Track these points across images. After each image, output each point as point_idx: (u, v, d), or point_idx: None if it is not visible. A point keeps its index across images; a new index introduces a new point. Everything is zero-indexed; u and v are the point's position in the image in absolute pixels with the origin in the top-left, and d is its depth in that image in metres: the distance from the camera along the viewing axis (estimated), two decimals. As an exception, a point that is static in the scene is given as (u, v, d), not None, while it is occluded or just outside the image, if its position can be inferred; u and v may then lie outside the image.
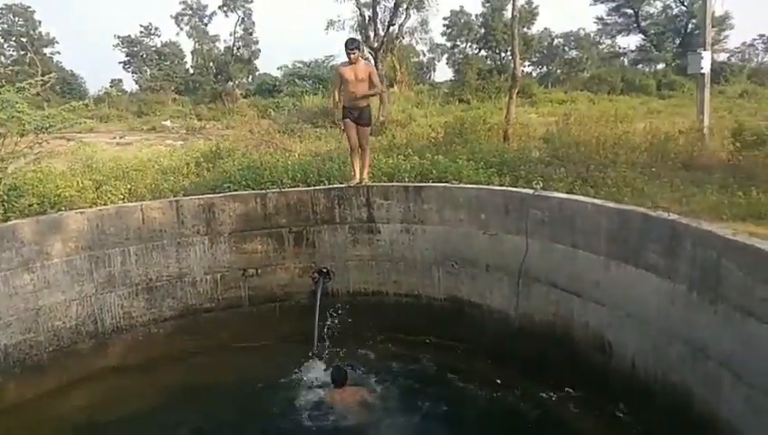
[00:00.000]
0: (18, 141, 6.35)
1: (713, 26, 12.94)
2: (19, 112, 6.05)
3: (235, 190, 7.03)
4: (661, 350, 4.51)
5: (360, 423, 5.28)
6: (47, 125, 6.36)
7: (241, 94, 32.75)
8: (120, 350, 6.32)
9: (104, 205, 6.49)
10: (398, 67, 24.68)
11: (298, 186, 7.15)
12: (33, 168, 6.62)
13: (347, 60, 6.65)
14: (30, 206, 6.02)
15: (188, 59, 46.53)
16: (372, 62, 16.00)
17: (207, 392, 5.82)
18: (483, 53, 37.77)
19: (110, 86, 42.12)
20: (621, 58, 43.77)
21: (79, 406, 5.68)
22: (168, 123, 21.43)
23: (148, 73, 45.66)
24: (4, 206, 5.84)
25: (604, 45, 44.80)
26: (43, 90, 6.99)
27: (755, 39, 41.22)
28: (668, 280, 4.36)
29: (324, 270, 6.90)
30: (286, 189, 6.93)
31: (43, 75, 8.88)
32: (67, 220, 5.91)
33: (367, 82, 6.62)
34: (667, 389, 4.48)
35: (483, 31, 36.81)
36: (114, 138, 16.54)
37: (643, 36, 41.58)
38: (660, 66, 37.72)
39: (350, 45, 6.62)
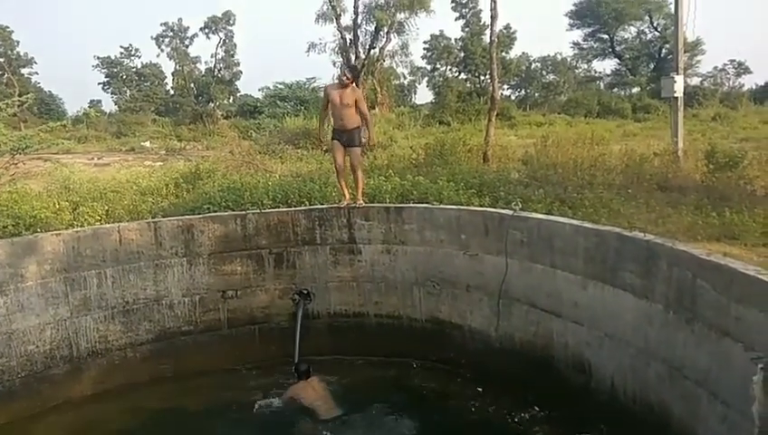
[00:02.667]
0: (-7, 162, 6.26)
1: (685, 51, 13.30)
2: (-6, 133, 5.98)
3: (215, 211, 6.97)
4: (639, 369, 4.55)
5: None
6: (24, 146, 6.29)
7: (222, 115, 32.69)
8: (95, 374, 6.17)
9: (81, 226, 6.39)
10: (378, 89, 24.92)
11: (279, 207, 7.12)
12: (8, 189, 6.50)
13: (338, 81, 6.72)
14: (4, 227, 5.90)
15: (169, 80, 46.50)
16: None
17: (185, 418, 5.73)
18: (462, 75, 38.28)
19: (89, 107, 41.73)
20: (597, 82, 44.67)
21: (52, 433, 5.53)
22: (147, 144, 21.28)
23: (128, 94, 45.46)
24: (-24, 227, 5.73)
25: (580, 69, 45.71)
26: (20, 110, 6.90)
27: (726, 64, 42.25)
28: (645, 300, 4.41)
29: (305, 292, 6.86)
30: (267, 210, 6.90)
31: (20, 96, 8.77)
32: (42, 242, 5.81)
33: (353, 108, 6.63)
34: (646, 408, 4.50)
35: (462, 54, 37.34)
36: (92, 159, 16.35)
37: (618, 61, 42.56)
38: (635, 90, 38.55)
39: (348, 73, 6.74)
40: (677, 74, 10.07)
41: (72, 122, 24.58)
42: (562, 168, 8.11)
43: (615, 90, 41.04)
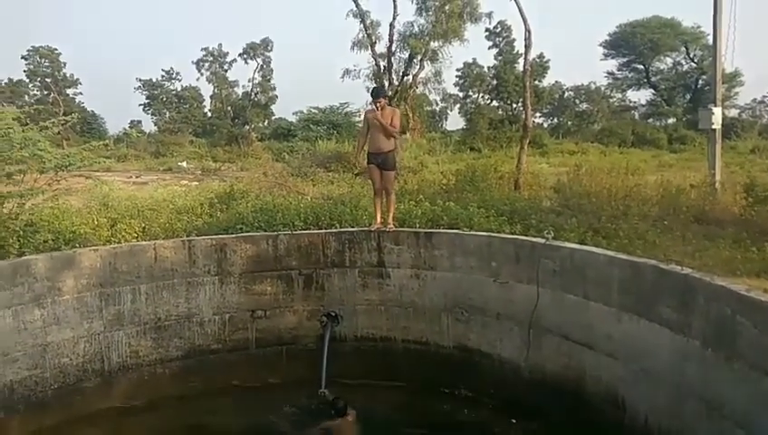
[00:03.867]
0: (37, 178, 6.48)
1: (723, 83, 13.11)
2: (41, 151, 6.20)
3: (248, 232, 7.08)
4: (675, 407, 4.40)
5: None
6: (66, 163, 6.50)
7: (256, 138, 33.31)
8: (125, 389, 6.26)
9: (118, 243, 6.55)
10: (411, 115, 25.10)
11: (310, 228, 7.19)
12: (50, 204, 6.72)
13: (372, 107, 6.81)
14: (45, 242, 6.09)
15: (207, 103, 47.77)
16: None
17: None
18: (494, 103, 38.37)
19: (130, 127, 43.03)
20: (632, 112, 44.26)
21: (80, 445, 5.62)
22: (184, 164, 21.77)
23: (167, 115, 46.77)
24: (19, 241, 5.91)
25: (615, 99, 45.37)
26: (64, 129, 7.15)
27: (766, 96, 41.44)
28: (682, 335, 4.29)
29: (333, 314, 6.85)
30: (298, 232, 6.98)
31: (65, 115, 9.11)
32: (80, 257, 5.97)
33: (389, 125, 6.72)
34: (682, 447, 4.34)
35: (495, 82, 37.49)
36: (131, 177, 16.81)
37: (653, 91, 42.17)
38: (671, 120, 38.04)
39: (377, 95, 6.79)
40: (715, 106, 9.94)
41: (112, 142, 25.36)
42: (596, 197, 8.01)
43: (650, 120, 40.55)
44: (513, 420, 5.79)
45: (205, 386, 6.51)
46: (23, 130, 6.13)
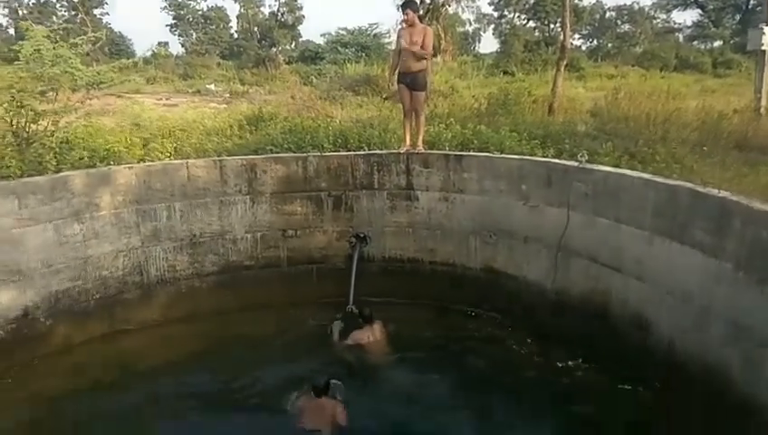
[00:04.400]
0: (70, 96, 6.52)
1: (778, 1, 12.20)
2: (72, 68, 6.19)
3: (277, 153, 7.10)
4: (701, 329, 4.42)
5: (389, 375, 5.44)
6: (98, 81, 6.51)
7: (284, 60, 32.73)
8: (164, 301, 6.56)
9: (151, 161, 6.65)
10: (443, 36, 24.23)
11: (338, 151, 7.17)
12: (83, 122, 6.80)
13: (403, 24, 6.56)
14: (80, 159, 6.21)
15: (233, 24, 46.84)
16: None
17: (247, 346, 6.03)
18: (531, 24, 36.75)
19: (157, 48, 42.67)
20: (676, 34, 42.02)
21: (124, 352, 5.98)
22: (212, 87, 21.64)
23: (194, 37, 46.17)
24: (56, 158, 6.03)
25: (658, 20, 42.99)
26: (92, 49, 7.12)
27: (823, 17, 38.70)
28: (714, 258, 4.25)
29: (361, 235, 6.95)
30: (327, 154, 6.97)
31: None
32: (116, 174, 6.10)
33: (419, 48, 6.49)
34: (705, 369, 4.40)
35: (532, 1, 35.74)
36: (160, 99, 16.82)
37: (700, 12, 39.75)
38: (717, 43, 36.00)
39: (405, 5, 6.49)
40: (767, 25, 9.32)
41: (141, 62, 25.22)
42: (634, 121, 7.75)
43: (695, 43, 38.51)
44: (531, 340, 5.92)
45: (239, 301, 6.76)
46: (53, 48, 6.10)
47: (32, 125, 6.00)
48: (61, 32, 6.81)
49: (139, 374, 5.56)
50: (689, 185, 4.61)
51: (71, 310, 6.02)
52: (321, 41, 35.33)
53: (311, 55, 32.28)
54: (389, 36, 27.94)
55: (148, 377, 5.53)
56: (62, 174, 5.87)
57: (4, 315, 5.56)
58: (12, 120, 5.88)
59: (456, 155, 6.57)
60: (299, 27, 43.55)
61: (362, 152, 7.02)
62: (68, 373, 5.58)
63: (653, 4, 41.83)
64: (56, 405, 5.12)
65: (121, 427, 4.81)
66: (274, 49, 38.68)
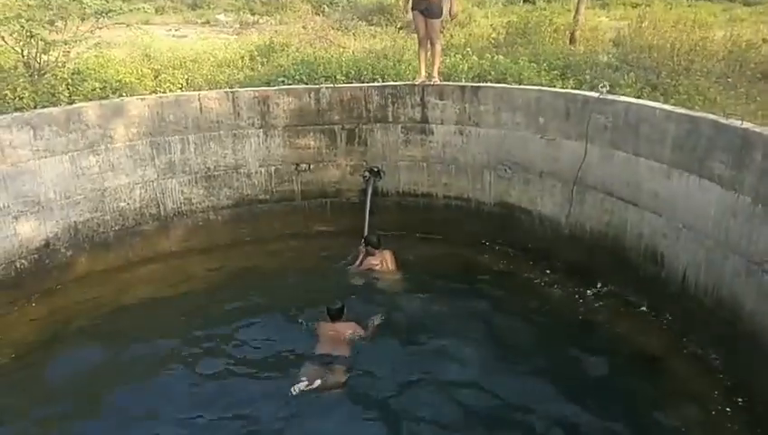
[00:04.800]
0: (79, 26, 6.41)
1: None
2: (80, -5, 6.07)
3: (289, 85, 6.98)
4: (715, 263, 4.43)
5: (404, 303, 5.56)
6: (107, 10, 6.38)
7: (295, -11, 31.63)
8: (181, 233, 6.66)
9: (163, 93, 6.59)
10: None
11: (352, 82, 7.04)
12: (94, 53, 6.72)
13: None
14: (93, 90, 6.18)
15: (243, -51, 45.04)
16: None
17: (262, 275, 6.16)
18: (553, -51, 34.95)
19: (165, -22, 41.38)
20: (707, -41, 39.75)
21: (143, 281, 6.13)
22: (221, 17, 21.08)
23: (202, -35, 44.60)
24: (69, 89, 6.02)
25: (689, -56, 40.62)
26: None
27: None
28: (733, 192, 4.19)
29: (375, 169, 6.91)
30: (340, 85, 6.84)
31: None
32: (129, 106, 6.06)
33: None
34: (717, 301, 4.44)
35: (555, -76, 33.87)
36: (170, 30, 16.48)
37: (735, -66, 37.42)
38: (750, -31, 34.12)
39: None
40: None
41: (149, -7, 24.50)
42: (657, 51, 7.48)
43: (726, -31, 36.44)
44: (546, 272, 5.97)
45: (254, 233, 6.86)
46: (60, -25, 5.96)
47: (43, 56, 5.96)
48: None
49: (156, 301, 5.73)
50: (711, 116, 4.48)
51: (90, 241, 6.15)
52: (333, -32, 34.00)
53: (323, -16, 31.13)
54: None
55: (166, 305, 5.69)
56: (75, 105, 5.85)
57: (26, 246, 5.70)
58: (23, 51, 5.83)
59: (472, 86, 6.42)
60: (310, -47, 41.85)
61: (376, 84, 6.89)
62: (88, 300, 5.76)
63: (683, -74, 39.45)
64: (75, 326, 5.34)
65: (136, 351, 4.97)
66: (285, -23, 37.30)
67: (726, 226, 4.27)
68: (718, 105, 5.89)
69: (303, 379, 4.36)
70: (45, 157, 5.63)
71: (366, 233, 6.57)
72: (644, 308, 5.18)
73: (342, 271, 6.12)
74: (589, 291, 5.53)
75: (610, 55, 7.67)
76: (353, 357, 4.72)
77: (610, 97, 5.32)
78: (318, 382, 4.34)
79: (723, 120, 4.35)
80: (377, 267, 6.03)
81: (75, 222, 5.99)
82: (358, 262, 6.18)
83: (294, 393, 4.24)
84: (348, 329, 4.87)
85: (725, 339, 4.36)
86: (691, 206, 4.59)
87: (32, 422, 4.23)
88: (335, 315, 4.89)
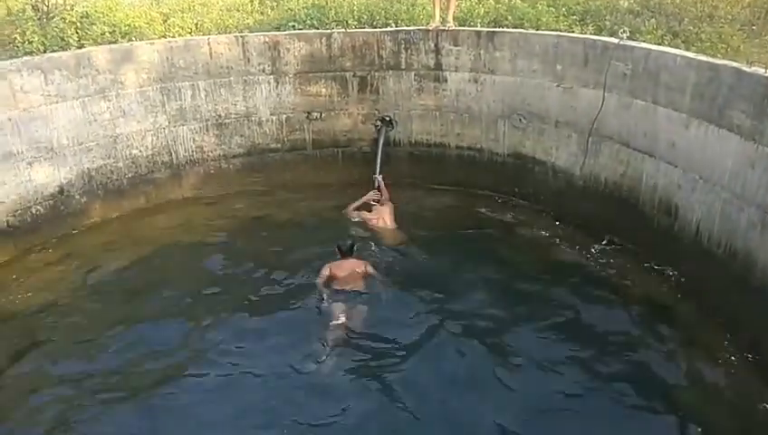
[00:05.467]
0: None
1: None
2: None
3: (300, 29, 6.83)
4: (731, 215, 4.38)
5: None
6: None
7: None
8: (193, 181, 6.70)
9: (172, 37, 6.48)
10: None
11: (364, 27, 6.86)
12: (102, -6, 6.59)
13: None
14: (102, 34, 6.08)
15: None
16: None
17: (273, 224, 6.23)
18: None
19: None
20: None
21: (157, 227, 6.21)
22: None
23: None
24: (78, 33, 5.93)
25: None
26: None
27: None
28: (752, 142, 4.10)
29: (387, 118, 6.84)
30: (352, 30, 6.68)
31: None
32: (138, 51, 5.99)
33: None
34: (731, 254, 4.41)
35: None
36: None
37: None
38: None
39: None
40: None
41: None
42: (681, -4, 7.19)
43: None
44: (557, 223, 5.97)
45: (266, 182, 6.88)
46: None
47: (50, -2, 5.84)
48: None
49: (169, 248, 5.80)
50: (734, 64, 4.35)
51: (104, 187, 6.20)
52: None
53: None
54: None
55: (178, 251, 5.78)
56: (85, 49, 5.79)
57: (40, 192, 5.76)
58: (29, -7, 5.73)
59: (488, 32, 6.24)
60: None
61: (389, 29, 6.72)
62: (103, 246, 5.86)
63: None
64: (90, 274, 5.44)
65: (150, 298, 5.08)
66: None
67: (744, 177, 4.20)
68: (742, 54, 5.69)
69: (334, 318, 4.55)
70: (57, 102, 5.61)
71: (378, 169, 6.53)
72: (654, 263, 5.17)
73: (348, 222, 6.12)
74: (600, 245, 5.52)
75: (632, 1, 7.38)
76: (370, 294, 4.90)
77: (630, 43, 5.16)
78: (343, 319, 4.55)
79: (745, 69, 4.22)
80: (372, 222, 6.03)
81: (89, 169, 6.02)
82: (357, 203, 6.18)
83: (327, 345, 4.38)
84: (359, 265, 5.07)
85: (737, 292, 4.35)
86: (708, 156, 4.51)
87: (45, 364, 4.36)
88: (346, 252, 5.09)
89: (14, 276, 5.35)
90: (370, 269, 5.06)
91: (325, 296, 4.81)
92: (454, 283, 5.12)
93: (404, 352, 4.34)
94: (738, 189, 4.28)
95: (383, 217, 6.05)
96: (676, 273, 5.02)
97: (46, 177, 5.74)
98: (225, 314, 4.83)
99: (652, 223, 5.19)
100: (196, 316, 4.79)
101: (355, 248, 5.13)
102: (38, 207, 5.77)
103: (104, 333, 4.61)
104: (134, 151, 6.24)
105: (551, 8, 6.67)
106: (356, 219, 6.12)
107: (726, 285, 4.44)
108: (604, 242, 5.52)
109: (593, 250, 5.49)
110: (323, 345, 4.37)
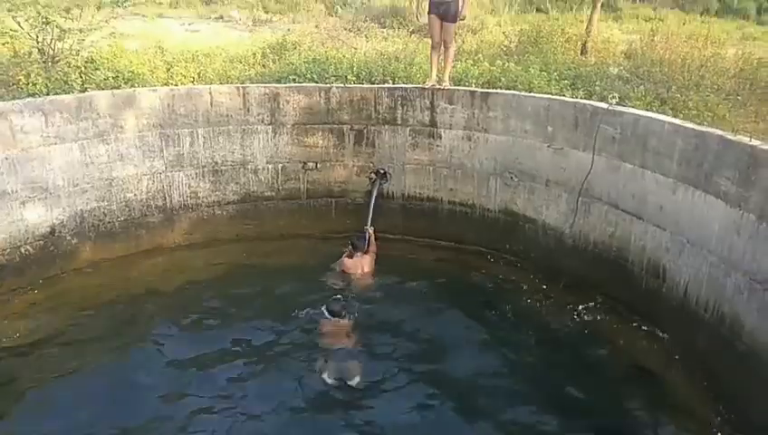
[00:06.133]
0: (95, 14, 6.46)
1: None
2: (97, -16, 6.12)
3: (300, 83, 7.01)
4: (717, 279, 4.42)
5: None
6: (122, 0, 6.43)
7: (309, -11, 31.73)
8: (186, 226, 6.69)
9: (175, 85, 6.63)
10: (474, -31, 23.17)
11: (362, 83, 7.06)
12: (108, 43, 6.76)
13: None
14: (105, 79, 6.23)
15: (259, -53, 45.26)
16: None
17: (263, 273, 6.19)
18: (568, -40, 34.95)
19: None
20: (722, -24, 39.66)
21: (146, 272, 6.15)
22: (235, 14, 21.15)
23: (218, -39, 44.83)
24: (82, 77, 6.06)
25: (705, -40, 40.53)
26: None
27: None
28: (737, 209, 4.18)
29: (382, 171, 6.93)
30: (350, 86, 6.86)
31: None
32: (140, 97, 6.09)
33: None
34: (718, 318, 4.43)
35: (571, -65, 33.87)
36: (183, 23, 16.55)
37: (752, -48, 37.34)
38: (765, -12, 34.01)
39: None
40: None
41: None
42: (668, 66, 7.49)
43: (741, -13, 36.35)
44: (545, 283, 5.97)
45: (258, 230, 6.88)
46: (77, -37, 6.02)
47: (57, 43, 6.00)
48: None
49: (156, 294, 5.76)
50: (719, 132, 4.49)
51: (96, 230, 6.18)
52: (348, -31, 34.10)
53: (337, -16, 31.23)
54: (419, -33, 26.72)
55: (166, 296, 5.72)
56: (87, 93, 5.90)
57: (31, 232, 5.73)
58: (38, 37, 5.88)
59: (482, 92, 6.42)
60: (326, -46, 41.98)
61: (386, 86, 6.91)
62: (91, 289, 5.79)
63: (700, -58, 39.37)
64: (77, 316, 5.36)
65: (135, 340, 5.03)
66: (300, -24, 37.42)
67: (730, 242, 4.27)
68: (727, 122, 5.91)
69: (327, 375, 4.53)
70: (55, 143, 5.67)
71: (369, 221, 6.56)
72: (643, 324, 5.18)
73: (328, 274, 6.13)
74: (588, 303, 5.53)
75: (621, 68, 7.67)
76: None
77: (619, 108, 5.33)
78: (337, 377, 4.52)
79: (731, 137, 4.35)
80: (350, 271, 6.05)
81: (82, 210, 6.03)
82: (339, 260, 6.20)
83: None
84: (347, 325, 5.05)
85: (724, 357, 4.35)
86: (695, 221, 4.59)
87: (28, 408, 4.25)
88: (336, 313, 5.07)
89: (-2, 316, 5.27)
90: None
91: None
92: (438, 340, 5.09)
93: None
94: (725, 254, 4.34)
95: (363, 266, 6.07)
96: (664, 335, 5.02)
97: (39, 217, 5.74)
98: (211, 361, 4.75)
99: (641, 284, 5.23)
100: (182, 363, 4.71)
101: (344, 314, 5.13)
102: (28, 247, 5.74)
103: (87, 379, 4.50)
104: (128, 195, 6.27)
105: (543, 72, 6.91)
106: (336, 268, 6.13)
107: (714, 350, 4.44)
108: (593, 302, 5.53)
109: (582, 309, 5.47)
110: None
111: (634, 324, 5.22)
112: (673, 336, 4.93)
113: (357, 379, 4.53)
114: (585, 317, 5.43)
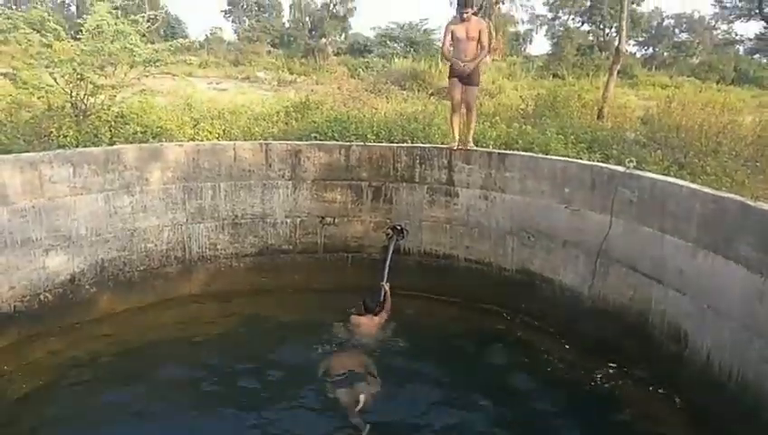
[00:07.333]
0: (127, 72, 6.76)
1: None
2: (131, 44, 6.43)
3: (322, 141, 7.19)
4: (741, 346, 4.31)
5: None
6: (155, 59, 6.73)
7: (333, 52, 33.03)
8: (203, 278, 6.75)
9: (200, 141, 6.83)
10: (494, 34, 23.99)
11: (382, 142, 7.22)
12: (138, 99, 7.04)
13: (459, 17, 6.37)
14: (134, 133, 6.45)
15: (286, 12, 47.44)
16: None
17: (277, 327, 6.15)
18: (585, 27, 35.97)
19: (211, 34, 43.58)
20: (737, 46, 40.40)
21: (161, 323, 6.16)
22: (261, 74, 22.00)
23: (247, 24, 46.96)
24: (111, 131, 6.29)
25: (719, 31, 41.43)
26: (148, 30, 7.34)
27: None
28: (759, 275, 4.12)
29: (398, 227, 6.97)
30: (370, 144, 7.02)
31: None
32: (167, 151, 6.30)
33: (476, 42, 6.36)
34: (742, 386, 4.28)
35: (588, 3, 34.98)
36: (211, 83, 17.23)
37: (765, 23, 38.09)
38: (781, 58, 34.57)
39: (465, 3, 6.26)
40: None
41: (196, 45, 25.80)
42: (686, 132, 7.57)
43: (756, 56, 37.01)
44: (564, 344, 5.85)
45: (275, 283, 6.91)
46: (115, 24, 6.34)
47: (90, 98, 6.26)
48: (120, 9, 7.05)
49: (173, 344, 5.75)
50: (738, 198, 4.48)
51: (115, 279, 6.26)
52: (370, 34, 35.53)
53: (359, 48, 32.51)
54: (439, 32, 27.81)
55: (180, 347, 5.71)
56: (115, 147, 6.10)
57: (51, 279, 5.82)
58: (72, 92, 6.14)
59: (499, 153, 6.53)
60: (350, 19, 43.79)
61: (405, 145, 7.05)
62: (106, 337, 5.80)
63: (714, 14, 40.29)
64: (93, 367, 5.34)
65: (151, 393, 4.97)
66: (324, 40, 38.96)
67: (752, 309, 4.18)
68: (746, 188, 5.89)
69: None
70: (81, 194, 5.83)
71: (386, 278, 6.52)
72: (662, 389, 5.02)
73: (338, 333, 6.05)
74: (607, 366, 5.39)
75: (638, 133, 7.77)
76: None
77: (637, 172, 5.36)
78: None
79: (750, 203, 4.34)
80: (361, 327, 5.97)
81: (102, 259, 6.12)
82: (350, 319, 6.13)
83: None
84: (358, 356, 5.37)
85: (746, 426, 4.18)
86: (716, 287, 4.52)
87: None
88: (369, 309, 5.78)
89: (13, 362, 5.27)
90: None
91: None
92: (448, 400, 4.96)
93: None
94: (748, 321, 4.24)
95: (372, 328, 5.98)
96: (684, 402, 4.85)
97: (60, 265, 5.84)
98: (223, 411, 4.71)
99: (660, 349, 5.10)
100: (194, 413, 4.67)
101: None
102: (47, 295, 5.82)
103: (99, 428, 4.46)
104: (149, 245, 6.37)
105: (559, 135, 7.01)
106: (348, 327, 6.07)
107: (736, 419, 4.27)
108: (611, 364, 5.39)
109: (599, 372, 5.33)
110: None
111: (653, 389, 5.05)
112: (693, 403, 4.76)
113: (362, 397, 4.61)
114: (603, 381, 5.28)
